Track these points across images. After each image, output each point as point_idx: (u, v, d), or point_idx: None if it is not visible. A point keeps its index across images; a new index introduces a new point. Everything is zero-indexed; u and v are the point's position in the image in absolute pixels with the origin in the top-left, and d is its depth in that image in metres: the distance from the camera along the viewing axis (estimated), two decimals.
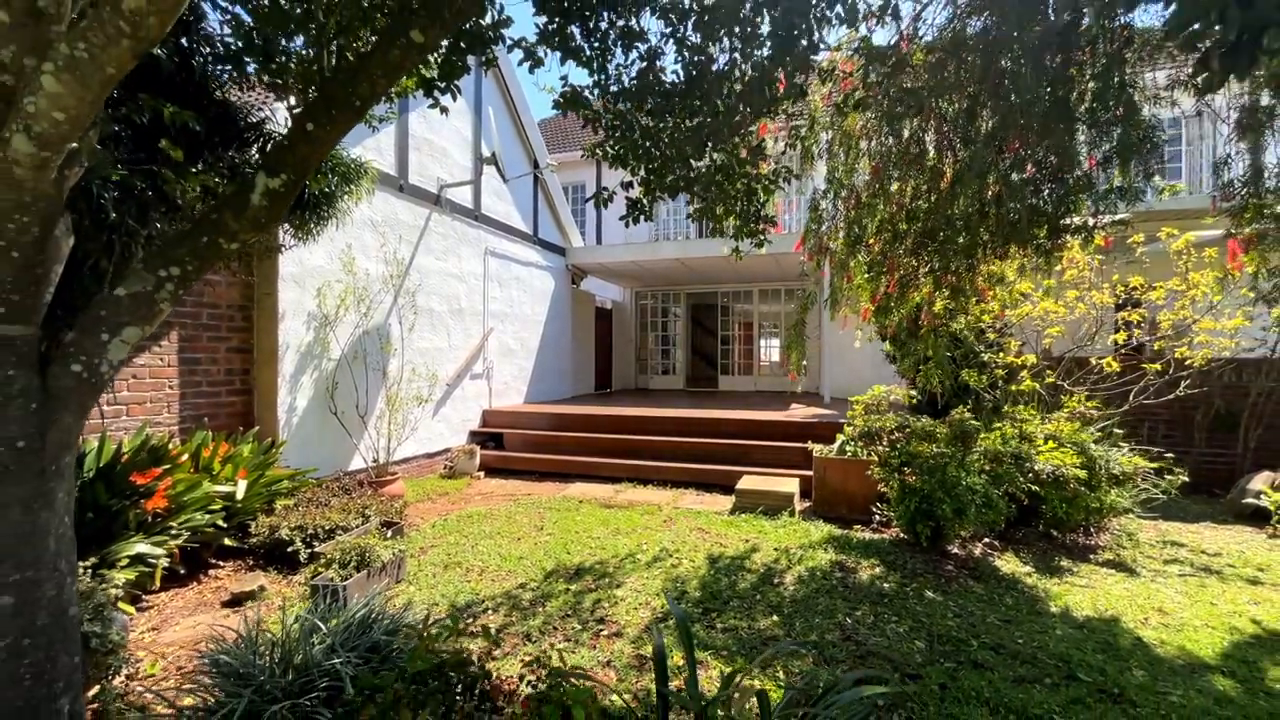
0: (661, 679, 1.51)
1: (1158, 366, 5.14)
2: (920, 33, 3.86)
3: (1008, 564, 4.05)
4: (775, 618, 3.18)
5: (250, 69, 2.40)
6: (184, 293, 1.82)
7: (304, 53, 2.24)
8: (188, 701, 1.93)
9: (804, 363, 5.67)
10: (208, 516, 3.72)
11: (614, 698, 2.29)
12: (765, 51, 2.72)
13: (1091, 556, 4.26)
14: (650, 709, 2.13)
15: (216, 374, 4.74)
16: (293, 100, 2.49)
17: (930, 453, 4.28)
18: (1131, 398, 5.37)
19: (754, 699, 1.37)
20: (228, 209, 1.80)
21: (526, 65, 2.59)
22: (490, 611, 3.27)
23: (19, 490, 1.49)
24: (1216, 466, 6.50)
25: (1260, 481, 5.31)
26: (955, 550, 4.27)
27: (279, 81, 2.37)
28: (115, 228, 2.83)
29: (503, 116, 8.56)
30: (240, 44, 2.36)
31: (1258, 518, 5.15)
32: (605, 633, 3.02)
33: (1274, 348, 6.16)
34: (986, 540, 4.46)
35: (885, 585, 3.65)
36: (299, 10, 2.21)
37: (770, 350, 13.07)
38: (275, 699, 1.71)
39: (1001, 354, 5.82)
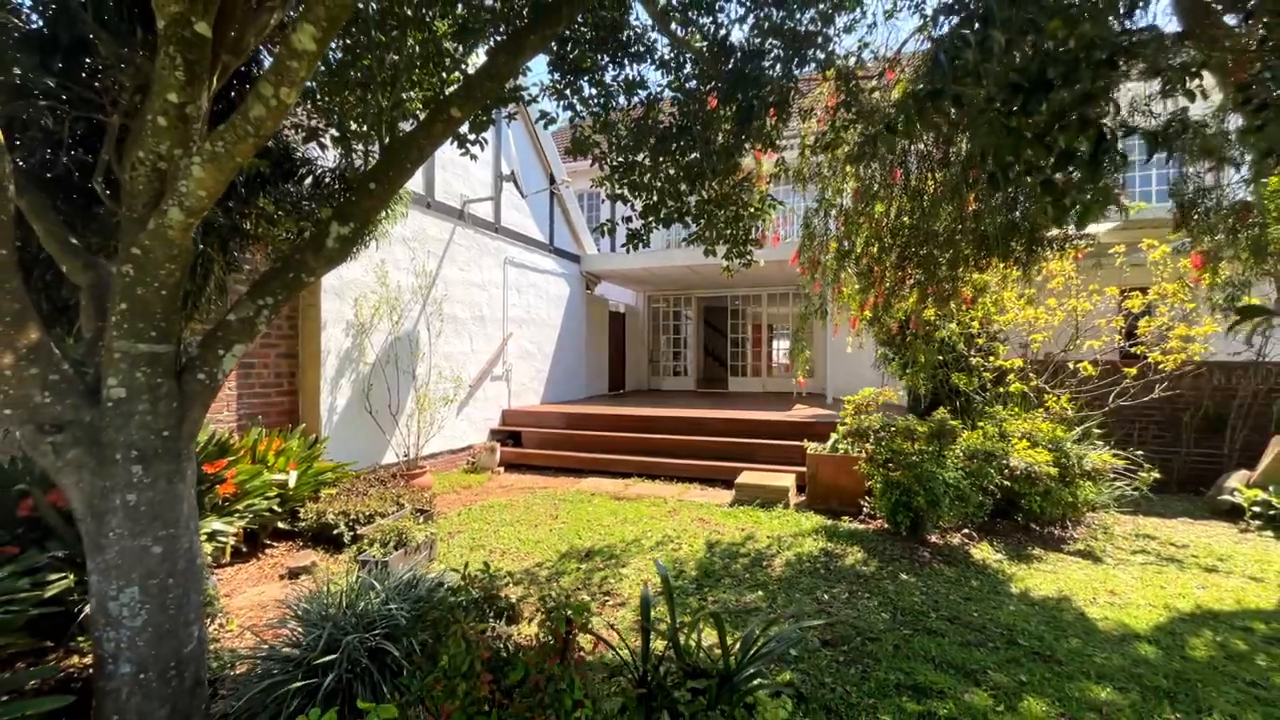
0: (645, 617, 1.96)
1: (1134, 371, 5.44)
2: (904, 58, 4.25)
3: (981, 552, 4.41)
4: (760, 593, 3.61)
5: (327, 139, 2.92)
6: (274, 316, 2.32)
7: (364, 126, 2.74)
8: (274, 638, 2.43)
9: (808, 366, 6.06)
10: (266, 502, 4.26)
11: (619, 651, 2.74)
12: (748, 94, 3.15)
13: (1064, 547, 4.60)
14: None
15: (268, 377, 5.31)
16: (357, 160, 2.99)
17: (911, 450, 4.66)
18: (1111, 400, 5.67)
19: (711, 620, 1.81)
20: (309, 250, 2.30)
21: (542, 123, 3.06)
22: (511, 584, 3.75)
23: (164, 467, 1.99)
24: (1205, 466, 6.74)
25: (1236, 480, 5.57)
26: (934, 539, 4.64)
27: (349, 144, 2.88)
28: (199, 255, 3.38)
29: (520, 134, 9.08)
30: (321, 120, 2.88)
31: (1234, 514, 5.41)
32: (611, 603, 3.48)
33: (1259, 352, 6.39)
34: (965, 531, 4.82)
35: (864, 569, 4.05)
36: (357, 83, 2.71)
37: (779, 352, 13.42)
38: (347, 632, 2.19)
39: (992, 358, 6.15)
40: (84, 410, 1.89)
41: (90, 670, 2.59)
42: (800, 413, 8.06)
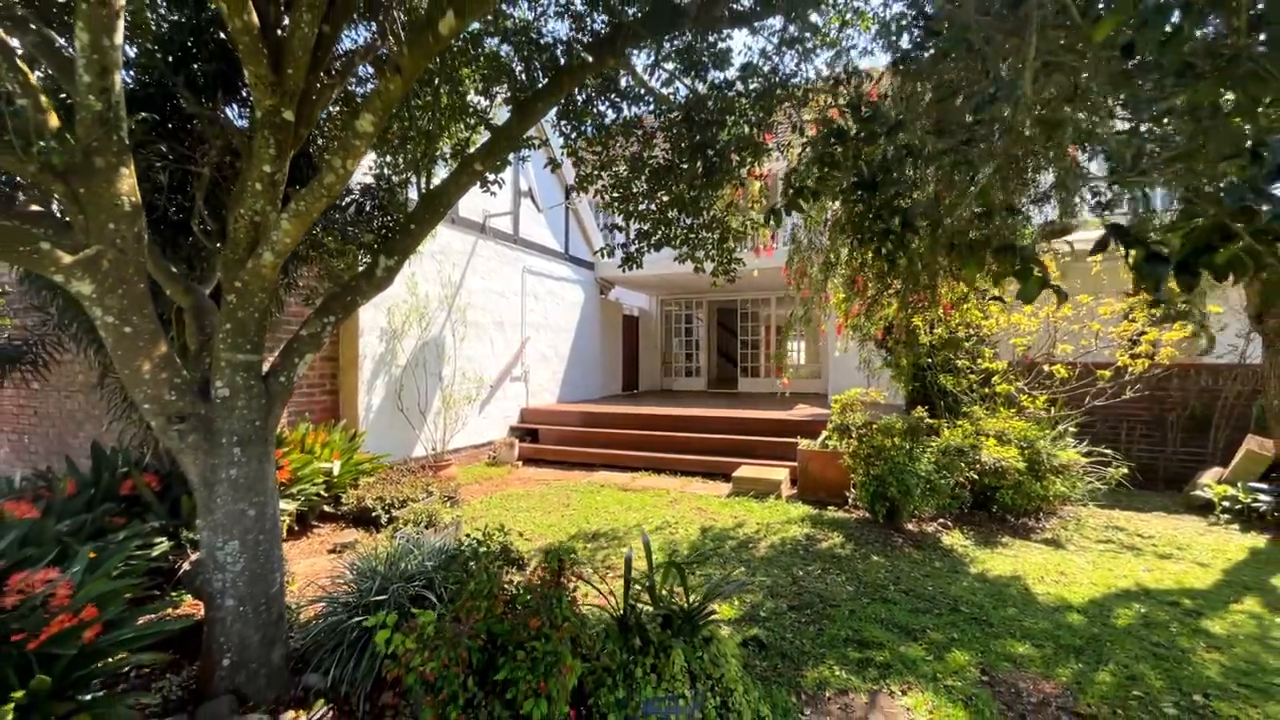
0: (627, 570, 2.47)
1: (1108, 374, 5.78)
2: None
3: (952, 539, 4.83)
4: (743, 569, 4.09)
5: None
6: (335, 331, 2.90)
7: (401, 163, 3.33)
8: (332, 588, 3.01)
9: (791, 369, 6.51)
10: (315, 487, 4.89)
11: (614, 612, 3.27)
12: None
13: (1032, 535, 4.98)
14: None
15: (313, 378, 5.96)
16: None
17: (889, 445, 5.09)
18: (1087, 400, 6.02)
19: (675, 570, 2.32)
20: (362, 278, 2.87)
21: (549, 167, 3.60)
22: (526, 559, 4.30)
23: (256, 450, 2.57)
24: (1189, 464, 7.00)
25: (1209, 476, 5.87)
26: (911, 527, 5.07)
27: (394, 191, 3.47)
28: None
29: (537, 150, 9.68)
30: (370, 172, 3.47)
31: (1206, 509, 5.72)
32: (611, 575, 4.00)
33: (1242, 355, 6.65)
34: (940, 520, 5.24)
35: (840, 551, 4.51)
36: (395, 138, 3.29)
37: (789, 354, 13.80)
38: (393, 582, 2.76)
39: (979, 360, 6.52)
40: (199, 405, 2.48)
41: (188, 616, 3.22)
42: (800, 412, 8.49)
